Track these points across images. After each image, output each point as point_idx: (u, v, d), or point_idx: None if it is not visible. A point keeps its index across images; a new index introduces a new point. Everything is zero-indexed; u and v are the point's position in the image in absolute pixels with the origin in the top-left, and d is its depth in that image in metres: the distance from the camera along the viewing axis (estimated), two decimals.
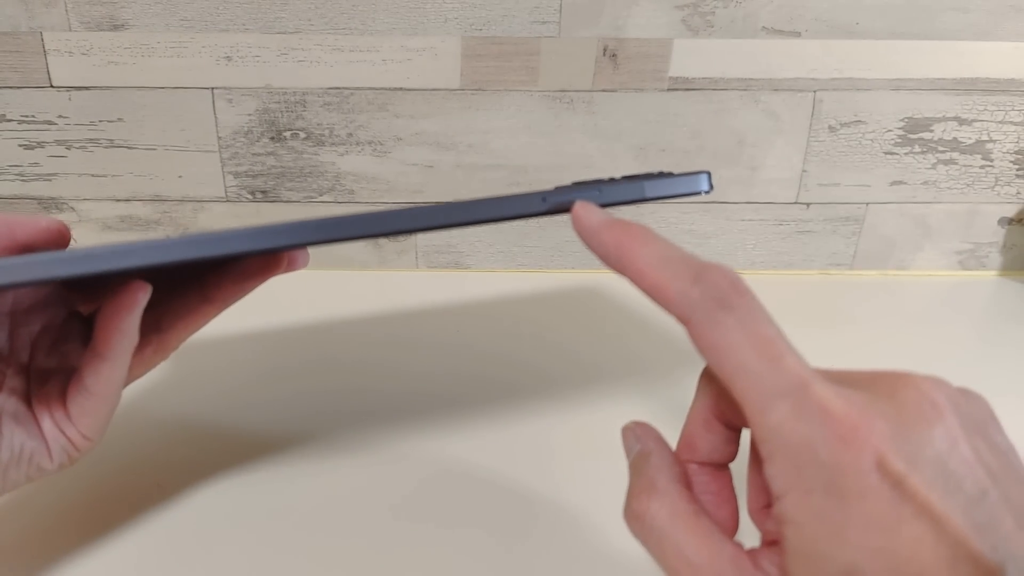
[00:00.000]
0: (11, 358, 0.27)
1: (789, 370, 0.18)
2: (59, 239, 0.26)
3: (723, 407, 0.22)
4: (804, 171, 0.54)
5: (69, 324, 0.29)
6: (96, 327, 0.26)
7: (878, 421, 0.18)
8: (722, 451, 0.23)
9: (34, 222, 0.26)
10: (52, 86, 0.50)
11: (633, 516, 0.21)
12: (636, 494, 0.22)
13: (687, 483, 0.22)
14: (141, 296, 0.25)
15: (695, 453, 0.23)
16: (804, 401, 0.18)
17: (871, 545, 0.17)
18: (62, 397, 0.27)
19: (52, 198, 0.53)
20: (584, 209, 0.23)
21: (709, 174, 0.26)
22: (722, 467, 0.23)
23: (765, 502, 0.22)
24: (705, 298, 0.20)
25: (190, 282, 0.28)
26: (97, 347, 0.26)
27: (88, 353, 0.26)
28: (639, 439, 0.23)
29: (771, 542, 0.20)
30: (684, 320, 0.20)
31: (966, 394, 0.20)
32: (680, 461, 0.23)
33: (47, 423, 0.27)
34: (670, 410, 0.40)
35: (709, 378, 0.23)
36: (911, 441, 0.17)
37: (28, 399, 0.27)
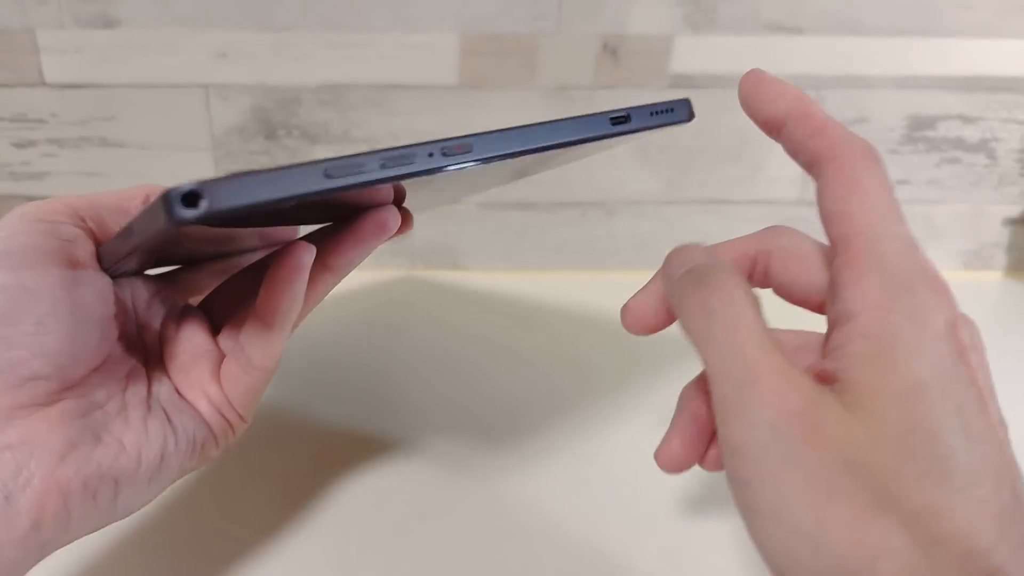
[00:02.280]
0: (148, 352, 0.27)
1: (905, 228, 0.21)
2: None
3: (772, 259, 0.24)
4: None
5: (188, 314, 0.28)
6: (262, 299, 0.25)
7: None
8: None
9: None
10: (44, 84, 0.50)
11: (715, 287, 0.21)
12: (724, 274, 0.21)
13: None
14: (307, 258, 0.25)
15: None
16: (913, 249, 0.20)
17: (941, 371, 0.18)
18: (215, 380, 0.26)
19: (43, 196, 0.53)
20: (760, 70, 0.24)
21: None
22: None
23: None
24: (864, 145, 0.21)
25: None
26: (264, 318, 0.25)
27: (251, 328, 0.26)
28: (712, 256, 0.23)
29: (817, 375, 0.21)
30: (840, 152, 0.21)
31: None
32: None
33: (205, 407, 0.26)
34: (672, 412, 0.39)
35: (780, 231, 0.24)
36: (969, 335, 0.20)
37: (177, 390, 0.26)
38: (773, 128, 0.23)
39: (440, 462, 0.36)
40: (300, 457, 0.36)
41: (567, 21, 0.49)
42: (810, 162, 0.22)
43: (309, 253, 0.25)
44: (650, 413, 0.39)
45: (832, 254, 0.21)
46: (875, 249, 0.20)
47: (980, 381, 0.19)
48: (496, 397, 0.41)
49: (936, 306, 0.19)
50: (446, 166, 0.21)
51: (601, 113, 0.23)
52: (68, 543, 0.23)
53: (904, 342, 0.18)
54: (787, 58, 0.51)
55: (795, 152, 0.22)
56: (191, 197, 0.17)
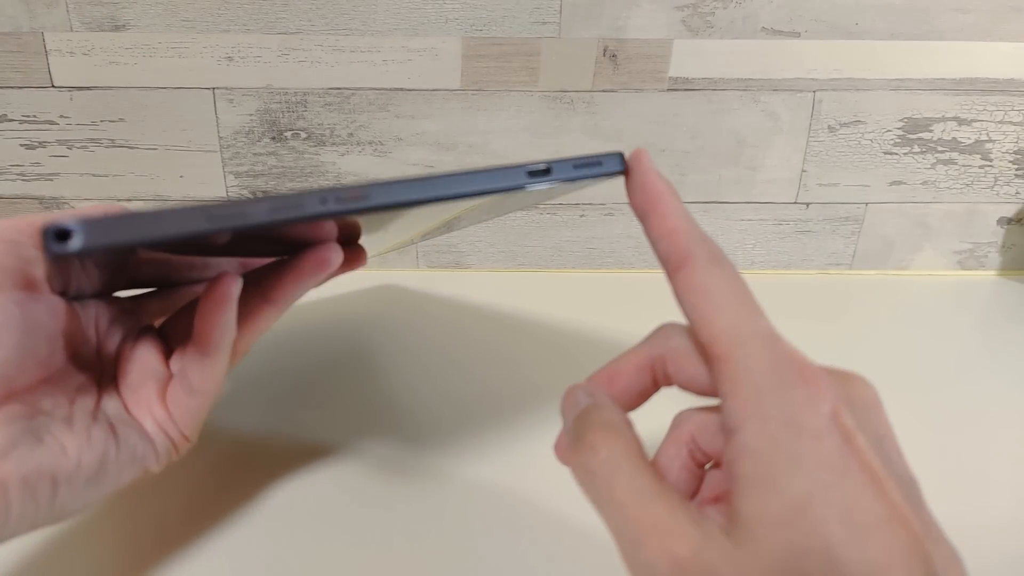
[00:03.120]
0: (102, 369, 0.28)
1: (763, 322, 0.21)
2: None
3: (667, 363, 0.23)
4: (804, 171, 0.54)
5: (144, 336, 0.29)
6: (196, 327, 0.27)
7: (834, 384, 0.19)
8: (633, 399, 0.24)
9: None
10: (53, 86, 0.50)
11: (587, 447, 0.21)
12: (592, 429, 0.22)
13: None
14: (234, 288, 0.26)
15: (610, 387, 0.24)
16: (774, 344, 0.20)
17: (824, 480, 0.18)
18: (161, 400, 0.28)
19: (53, 198, 0.53)
20: (645, 155, 0.24)
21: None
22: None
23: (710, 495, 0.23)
24: (707, 249, 0.22)
25: (250, 284, 0.29)
26: (199, 345, 0.27)
27: (190, 353, 0.27)
28: (592, 395, 0.24)
29: (713, 499, 0.21)
30: (683, 259, 0.22)
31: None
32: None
33: (150, 425, 0.27)
34: (671, 409, 0.40)
35: (668, 332, 0.24)
36: (858, 413, 0.20)
37: (126, 407, 0.27)
38: (638, 216, 0.24)
39: (434, 457, 0.36)
40: (295, 455, 0.37)
41: (568, 25, 0.50)
42: (662, 264, 0.23)
43: (236, 285, 0.26)
44: (648, 411, 0.40)
45: (705, 363, 0.22)
46: (738, 355, 0.20)
47: (872, 461, 0.18)
48: (497, 396, 0.42)
49: (809, 401, 0.19)
50: (339, 212, 0.21)
51: (518, 165, 0.22)
52: (6, 540, 0.23)
53: (784, 455, 0.18)
54: (784, 62, 0.51)
55: (654, 249, 0.23)
56: (63, 234, 0.18)
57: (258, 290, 0.29)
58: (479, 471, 0.36)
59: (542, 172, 0.22)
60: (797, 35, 0.51)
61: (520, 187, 0.22)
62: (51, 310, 0.25)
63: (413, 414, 0.40)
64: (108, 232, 0.19)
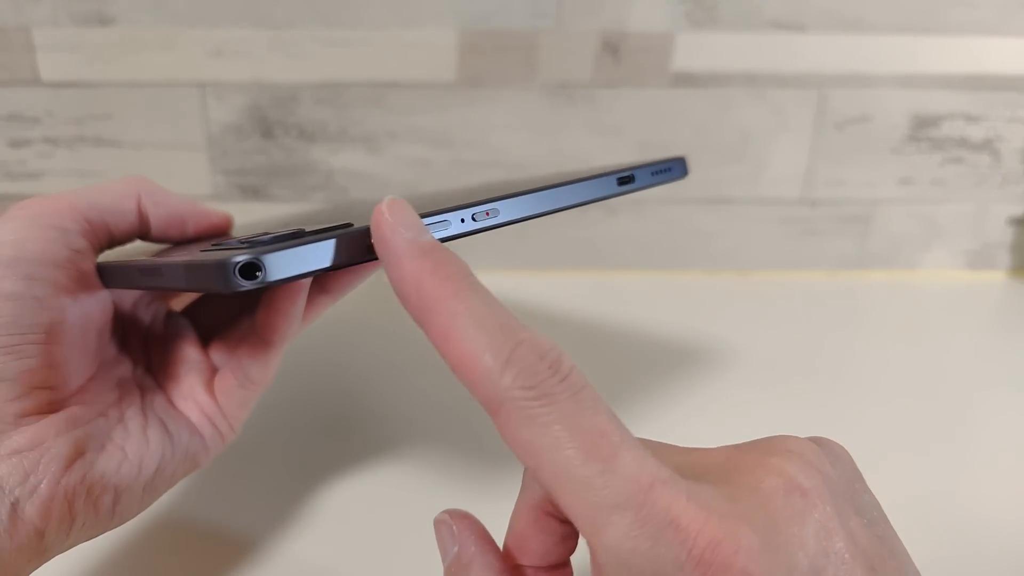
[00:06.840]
0: (135, 361, 0.27)
1: (626, 472, 0.15)
2: (224, 233, 0.27)
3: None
4: (810, 169, 0.53)
5: (174, 323, 0.29)
6: (261, 317, 0.26)
7: (744, 531, 0.15)
8: (560, 550, 0.19)
9: (206, 216, 0.27)
10: (40, 82, 0.49)
11: None
12: None
13: None
14: (306, 280, 0.26)
15: (528, 556, 0.19)
16: (649, 512, 0.15)
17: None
18: (208, 391, 0.27)
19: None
20: (392, 211, 0.19)
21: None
22: (562, 565, 0.20)
23: None
24: (516, 385, 0.16)
25: None
26: (264, 335, 0.26)
27: (250, 343, 0.27)
28: (457, 539, 0.19)
29: None
30: (491, 412, 0.16)
31: (828, 452, 0.18)
32: (508, 567, 0.19)
33: (196, 417, 0.26)
34: (674, 415, 0.39)
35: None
36: (782, 551, 0.15)
37: (169, 399, 0.27)
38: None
39: (434, 456, 0.36)
40: (294, 459, 0.36)
41: (567, 18, 0.49)
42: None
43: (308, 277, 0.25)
44: (649, 414, 0.39)
45: None
46: (605, 547, 0.15)
47: (836, 531, 0.15)
48: None
49: None
50: (476, 230, 0.23)
51: (608, 173, 0.25)
52: (65, 551, 0.22)
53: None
54: (789, 56, 0.50)
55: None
56: (249, 270, 0.17)
57: (315, 281, 0.28)
58: (485, 469, 0.35)
59: (628, 180, 0.25)
60: (803, 28, 0.50)
61: (612, 195, 0.25)
62: (100, 304, 0.24)
63: (410, 414, 0.39)
64: (290, 265, 0.18)
